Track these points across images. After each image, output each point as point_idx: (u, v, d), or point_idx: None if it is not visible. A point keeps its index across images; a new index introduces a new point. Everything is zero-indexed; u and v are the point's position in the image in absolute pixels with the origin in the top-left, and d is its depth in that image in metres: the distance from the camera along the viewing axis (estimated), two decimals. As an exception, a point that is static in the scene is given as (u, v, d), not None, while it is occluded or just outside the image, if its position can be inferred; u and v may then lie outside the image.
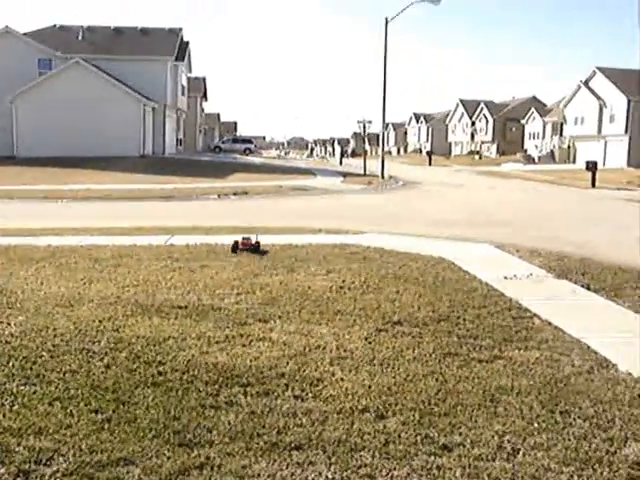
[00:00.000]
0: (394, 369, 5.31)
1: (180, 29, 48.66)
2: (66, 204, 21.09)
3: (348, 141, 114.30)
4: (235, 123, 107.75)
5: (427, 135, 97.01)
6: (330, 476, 3.71)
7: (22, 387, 4.77)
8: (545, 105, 74.11)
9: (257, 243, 10.76)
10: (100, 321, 6.44)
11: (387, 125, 61.70)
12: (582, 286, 8.59)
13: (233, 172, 35.33)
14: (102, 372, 5.11)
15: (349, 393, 4.79)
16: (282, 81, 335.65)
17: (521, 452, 3.98)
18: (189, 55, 50.85)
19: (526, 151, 69.28)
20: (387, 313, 6.94)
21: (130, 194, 23.56)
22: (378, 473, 3.74)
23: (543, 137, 68.99)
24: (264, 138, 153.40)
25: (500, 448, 4.02)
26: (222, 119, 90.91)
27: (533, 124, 72.44)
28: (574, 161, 57.40)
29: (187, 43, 49.88)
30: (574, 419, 4.43)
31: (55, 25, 46.90)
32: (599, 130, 55.28)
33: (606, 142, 54.58)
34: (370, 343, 5.98)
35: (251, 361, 5.41)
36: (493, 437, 4.15)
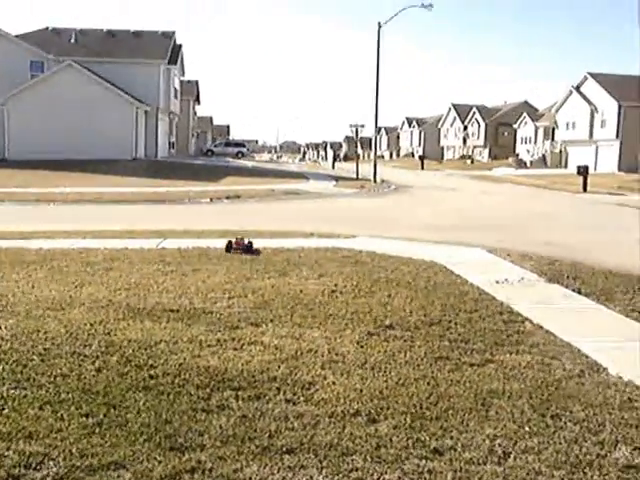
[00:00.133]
0: (386, 373, 5.31)
1: (173, 32, 48.63)
2: (58, 207, 21.02)
3: (340, 145, 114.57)
4: (228, 126, 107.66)
5: (419, 139, 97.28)
6: (321, 480, 3.71)
7: (12, 391, 4.75)
8: (537, 110, 74.47)
9: (250, 243, 11.08)
10: (91, 324, 6.42)
11: (380, 129, 61.79)
12: (573, 290, 8.63)
13: (225, 176, 35.30)
14: (93, 376, 5.09)
15: (341, 397, 4.79)
16: (275, 85, 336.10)
17: (512, 456, 3.99)
18: (182, 58, 50.83)
19: (518, 155, 69.52)
20: (379, 317, 6.95)
21: (122, 197, 23.51)
22: (369, 477, 3.74)
23: (535, 142, 69.27)
24: (257, 142, 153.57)
25: (491, 452, 4.03)
26: (215, 122, 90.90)
27: (525, 129, 72.74)
28: (566, 166, 57.64)
29: (180, 46, 49.87)
30: (565, 423, 4.45)
31: (48, 27, 46.82)
32: (590, 135, 55.56)
33: (597, 147, 54.85)
34: (362, 347, 5.98)
35: (243, 365, 5.41)
36: (484, 441, 4.16)
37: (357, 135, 39.41)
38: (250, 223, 15.17)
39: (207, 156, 60.96)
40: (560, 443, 4.15)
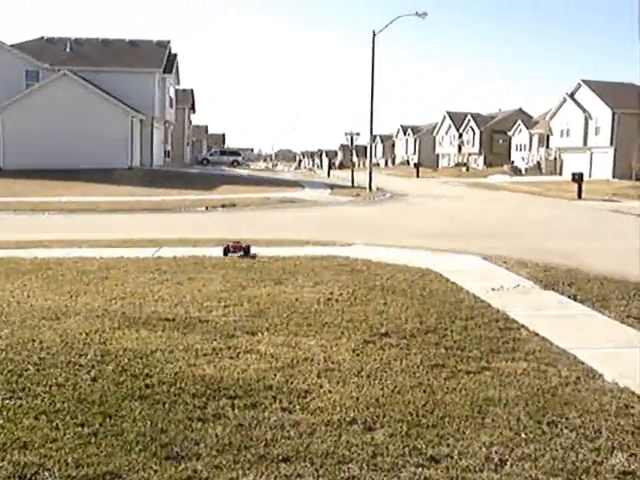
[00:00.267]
0: (382, 381, 5.31)
1: (168, 41, 48.75)
2: (53, 216, 21.00)
3: (336, 153, 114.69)
4: (223, 135, 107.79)
5: (414, 147, 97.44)
6: (318, 488, 3.70)
7: (7, 401, 4.74)
8: (531, 117, 74.70)
9: (247, 247, 11.55)
10: (87, 334, 6.41)
11: (375, 137, 61.95)
12: (569, 297, 8.64)
13: (221, 184, 35.32)
14: (89, 385, 5.08)
15: (337, 405, 4.79)
16: (270, 94, 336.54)
17: (509, 463, 3.98)
18: (177, 67, 50.92)
19: (513, 163, 69.70)
20: (375, 325, 6.95)
21: (117, 206, 23.50)
22: (366, 485, 3.73)
23: (530, 149, 69.46)
24: (252, 150, 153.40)
25: (488, 459, 4.03)
26: (210, 131, 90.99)
27: (520, 136, 72.95)
28: (560, 173, 57.79)
29: (175, 55, 49.97)
30: (561, 429, 4.45)
31: (43, 37, 46.88)
32: (585, 142, 55.74)
33: (592, 154, 55.03)
34: (358, 355, 5.98)
35: (239, 373, 5.40)
36: (481, 448, 4.15)
37: (352, 143, 39.49)
38: (246, 232, 15.18)
39: (202, 165, 60.99)
40: (556, 450, 4.15)
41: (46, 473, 3.76)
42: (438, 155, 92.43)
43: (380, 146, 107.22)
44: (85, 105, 40.32)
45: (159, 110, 46.14)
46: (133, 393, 4.93)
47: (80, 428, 4.32)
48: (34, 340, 6.14)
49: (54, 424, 4.36)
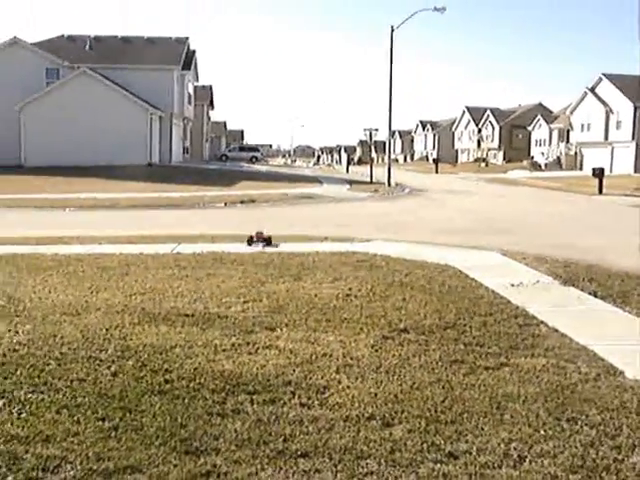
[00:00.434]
0: (400, 377, 5.31)
1: (187, 38, 48.94)
2: (73, 213, 21.18)
3: (354, 149, 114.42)
4: (242, 131, 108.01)
5: (433, 142, 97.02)
6: (336, 484, 3.71)
7: (30, 395, 4.80)
8: (551, 112, 74.06)
9: (269, 237, 12.34)
10: (107, 329, 6.47)
11: (393, 133, 61.74)
12: (589, 293, 8.57)
13: (240, 180, 35.43)
14: (109, 380, 5.13)
15: (355, 401, 4.79)
16: (289, 89, 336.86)
17: (527, 459, 3.97)
18: (195, 64, 51.09)
19: (532, 158, 69.17)
20: (393, 321, 6.94)
21: (137, 202, 23.65)
22: (384, 481, 3.74)
23: (549, 144, 68.90)
24: (271, 146, 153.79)
25: (506, 456, 4.01)
26: (229, 127, 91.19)
27: (539, 131, 72.37)
28: (581, 168, 57.29)
29: (194, 52, 50.13)
30: (581, 426, 4.42)
31: (63, 35, 47.28)
32: (606, 136, 55.20)
33: (613, 148, 54.48)
34: (376, 351, 5.98)
35: (257, 369, 5.42)
36: (499, 444, 4.14)
37: (371, 139, 39.39)
38: (265, 227, 15.19)
39: (221, 161, 61.19)
40: (576, 447, 4.12)
41: (68, 466, 3.81)
42: (457, 150, 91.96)
43: (399, 142, 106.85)
44: (104, 102, 40.65)
45: (178, 107, 46.35)
46: (153, 388, 4.97)
47: (101, 422, 4.37)
48: (55, 335, 6.21)
49: (75, 418, 4.41)
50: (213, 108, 67.73)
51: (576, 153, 61.41)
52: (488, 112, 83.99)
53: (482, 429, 4.36)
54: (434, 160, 68.54)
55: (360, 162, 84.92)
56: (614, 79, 54.08)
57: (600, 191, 31.33)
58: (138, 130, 41.23)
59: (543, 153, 68.36)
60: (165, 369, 5.39)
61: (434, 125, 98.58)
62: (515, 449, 4.09)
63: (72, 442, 4.08)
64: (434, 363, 5.65)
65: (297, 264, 10.20)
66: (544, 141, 70.61)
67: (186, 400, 4.76)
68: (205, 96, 61.86)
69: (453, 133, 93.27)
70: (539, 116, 72.56)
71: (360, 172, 48.93)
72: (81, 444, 4.06)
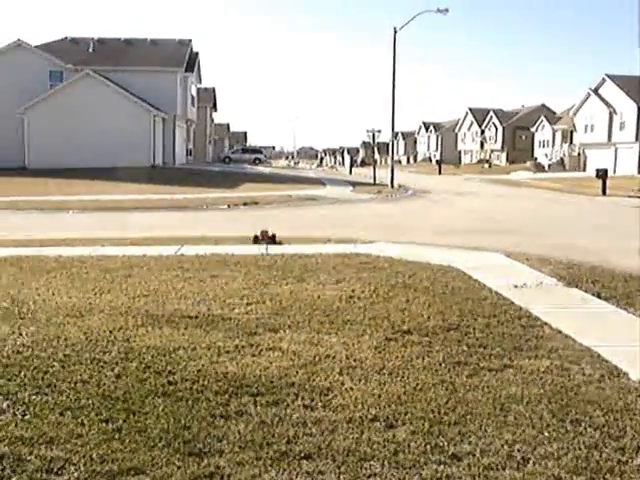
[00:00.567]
0: (404, 378, 5.30)
1: (190, 40, 49.01)
2: (77, 215, 21.22)
3: (357, 150, 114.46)
4: (245, 133, 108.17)
5: (436, 144, 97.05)
6: (340, 485, 3.71)
7: (34, 397, 4.81)
8: (554, 113, 74.02)
9: (273, 235, 12.97)
10: (111, 331, 6.48)
11: (396, 134, 61.75)
12: (592, 294, 8.55)
13: (243, 182, 35.46)
14: (113, 382, 5.14)
15: (359, 402, 4.79)
16: (292, 91, 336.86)
17: (531, 461, 3.96)
18: (199, 66, 51.19)
19: (536, 159, 69.13)
20: (397, 322, 6.94)
21: (140, 204, 23.67)
22: (388, 482, 3.74)
23: (553, 145, 68.84)
24: (274, 148, 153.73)
25: (510, 457, 4.01)
26: (232, 129, 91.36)
27: (543, 132, 72.31)
28: (584, 169, 57.21)
29: (197, 54, 50.22)
30: (585, 428, 4.41)
31: (66, 37, 47.42)
32: (609, 137, 55.12)
33: (616, 149, 54.40)
34: (380, 352, 5.98)
35: (261, 371, 5.42)
36: (503, 446, 4.14)
37: (374, 140, 39.43)
38: (268, 229, 15.19)
39: (224, 163, 61.25)
40: (580, 449, 4.12)
41: (72, 468, 3.82)
42: (460, 152, 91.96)
43: (402, 143, 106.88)
44: (108, 104, 40.74)
45: (181, 109, 46.41)
46: (156, 390, 4.98)
47: (104, 424, 4.37)
48: (59, 337, 6.22)
49: (79, 420, 4.42)
50: (216, 110, 67.85)
51: (579, 154, 61.35)
52: (491, 113, 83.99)
53: (486, 431, 4.36)
54: (437, 161, 68.59)
55: (363, 164, 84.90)
56: (617, 80, 54.01)
57: (604, 192, 31.30)
58: (141, 132, 41.31)
59: (546, 154, 68.30)
60: (169, 371, 5.39)
61: (437, 126, 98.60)
62: (519, 451, 4.08)
63: (76, 444, 4.09)
64: (437, 365, 5.65)
65: (300, 266, 10.21)
66: (547, 142, 70.54)
67: (189, 402, 4.77)
68: (208, 98, 61.98)
69: (456, 134, 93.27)
70: (542, 117, 72.51)
71: (363, 174, 48.93)
72: (85, 446, 4.06)
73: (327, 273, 9.60)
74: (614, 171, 48.81)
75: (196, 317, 7.04)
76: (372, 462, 3.93)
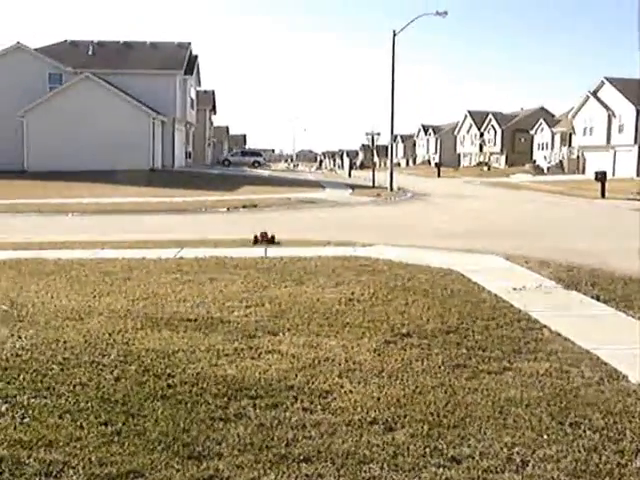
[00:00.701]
0: (403, 381, 5.30)
1: (189, 43, 49.06)
2: (76, 218, 21.21)
3: (357, 153, 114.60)
4: (244, 136, 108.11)
5: (436, 147, 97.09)
6: (339, 488, 3.71)
7: (33, 400, 4.80)
8: (553, 116, 74.06)
9: (272, 236, 13.39)
10: (110, 334, 6.47)
11: (395, 137, 61.78)
12: (592, 297, 8.56)
13: (242, 185, 35.46)
14: (112, 385, 5.14)
15: (358, 405, 4.79)
16: (291, 94, 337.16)
17: (531, 464, 3.96)
18: (198, 69, 51.22)
19: (535, 162, 69.17)
20: (396, 325, 6.94)
21: (139, 207, 23.67)
22: (387, 485, 3.73)
23: (552, 148, 68.88)
24: (273, 151, 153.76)
25: (509, 460, 4.01)
26: (231, 132, 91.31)
27: (542, 135, 72.36)
28: (583, 171, 57.25)
29: (196, 57, 50.27)
30: (584, 431, 4.41)
31: (66, 40, 47.45)
32: (608, 140, 55.15)
33: (615, 152, 54.44)
34: (379, 355, 5.98)
35: (260, 374, 5.42)
36: (502, 449, 4.14)
37: (373, 143, 39.41)
38: (267, 232, 15.19)
39: (224, 166, 61.24)
40: (579, 451, 4.12)
41: (71, 471, 3.81)
42: (459, 155, 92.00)
43: (401, 146, 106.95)
44: (107, 107, 40.77)
45: (180, 111, 46.44)
46: (155, 393, 4.98)
47: (103, 427, 4.37)
48: (58, 340, 6.22)
49: (78, 423, 4.42)
50: (215, 113, 67.88)
51: (578, 157, 61.39)
52: (490, 116, 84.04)
53: (485, 433, 4.36)
54: (436, 164, 68.59)
55: (362, 167, 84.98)
56: (616, 83, 54.06)
57: (602, 195, 31.32)
58: (141, 135, 41.33)
59: (545, 157, 68.37)
60: (168, 374, 5.39)
61: (436, 129, 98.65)
62: (518, 453, 4.08)
63: (75, 447, 4.09)
64: (436, 367, 5.65)
65: (299, 268, 10.21)
66: (546, 145, 70.60)
67: (189, 405, 4.77)
68: (207, 101, 62.00)
69: (455, 137, 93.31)
70: (541, 120, 72.57)
71: (362, 177, 48.95)
72: (84, 449, 4.06)
73: (326, 276, 9.60)
74: (613, 174, 48.83)
75: (195, 320, 7.04)
76: (371, 465, 3.93)
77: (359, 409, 4.72)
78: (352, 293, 8.44)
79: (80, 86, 41.34)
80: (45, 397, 4.86)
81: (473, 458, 4.02)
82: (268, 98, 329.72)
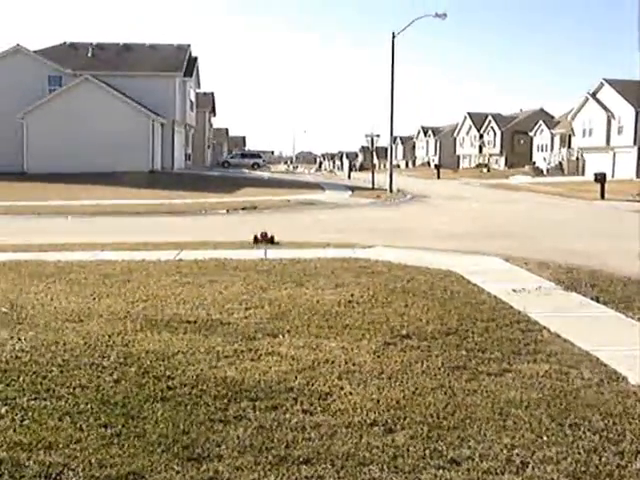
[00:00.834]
0: (402, 383, 5.30)
1: (188, 45, 49.11)
2: (76, 219, 21.21)
3: (356, 155, 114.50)
4: (243, 138, 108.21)
5: (435, 148, 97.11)
6: (339, 490, 3.71)
7: (32, 402, 4.80)
8: (553, 117, 74.13)
9: (272, 237, 13.67)
10: (109, 336, 6.47)
11: (395, 139, 61.80)
12: (591, 298, 8.56)
13: (242, 187, 35.46)
14: (111, 387, 5.14)
15: (358, 407, 4.79)
16: (290, 96, 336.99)
17: (530, 465, 3.96)
18: (197, 71, 51.24)
19: (534, 163, 69.18)
20: (395, 327, 6.94)
21: (139, 209, 23.67)
22: (387, 487, 3.73)
23: (551, 149, 68.92)
24: (272, 152, 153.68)
25: (509, 462, 4.01)
26: (230, 134, 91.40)
27: (541, 136, 72.40)
28: (583, 173, 57.27)
29: (195, 59, 50.29)
30: (584, 432, 4.41)
31: (65, 42, 47.49)
32: (607, 142, 55.18)
33: (615, 153, 54.46)
34: (379, 357, 5.98)
35: (260, 375, 5.42)
36: (502, 451, 4.14)
37: (373, 145, 39.42)
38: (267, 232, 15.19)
39: (223, 167, 61.25)
40: (579, 453, 4.12)
41: (70, 473, 3.81)
42: (459, 156, 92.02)
43: (400, 147, 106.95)
44: (106, 109, 40.79)
45: (180, 113, 46.46)
46: (155, 395, 4.98)
47: (103, 429, 4.37)
48: (58, 342, 6.22)
49: (78, 425, 4.42)
50: (215, 115, 67.90)
51: (578, 158, 61.41)
52: (490, 118, 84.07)
53: (484, 435, 4.36)
54: (436, 166, 68.57)
55: (362, 168, 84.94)
56: (615, 84, 54.09)
57: (602, 196, 31.33)
58: (140, 137, 41.35)
59: (545, 158, 68.38)
60: (167, 376, 5.39)
61: (436, 131, 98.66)
62: (518, 455, 4.08)
63: (74, 449, 4.08)
64: (436, 369, 5.65)
65: (299, 270, 10.21)
66: (546, 146, 70.63)
67: (188, 407, 4.77)
68: (207, 103, 62.04)
69: (455, 139, 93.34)
70: (541, 121, 72.61)
71: (362, 178, 48.95)
72: (83, 451, 4.06)
73: (326, 278, 9.60)
74: (612, 175, 48.83)
75: (195, 322, 7.04)
76: (371, 467, 3.93)
77: (359, 411, 4.72)
78: (352, 295, 8.44)
79: (80, 88, 41.35)
80: (45, 399, 4.86)
81: (473, 460, 4.02)
82: (268, 100, 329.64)
